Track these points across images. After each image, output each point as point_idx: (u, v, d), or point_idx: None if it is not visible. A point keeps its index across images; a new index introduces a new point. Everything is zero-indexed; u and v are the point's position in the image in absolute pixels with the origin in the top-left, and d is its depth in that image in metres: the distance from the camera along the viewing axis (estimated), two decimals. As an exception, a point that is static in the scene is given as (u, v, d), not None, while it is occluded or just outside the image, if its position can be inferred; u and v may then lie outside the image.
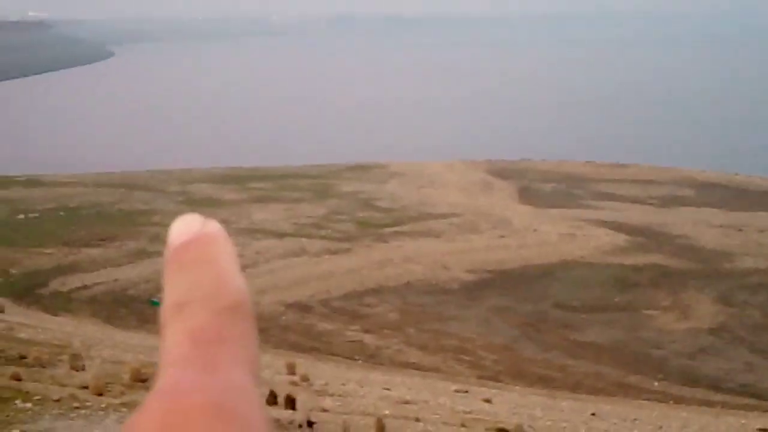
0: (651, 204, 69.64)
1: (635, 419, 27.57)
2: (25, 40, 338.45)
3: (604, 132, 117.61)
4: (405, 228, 60.63)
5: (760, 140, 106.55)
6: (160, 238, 55.56)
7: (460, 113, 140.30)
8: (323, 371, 30.35)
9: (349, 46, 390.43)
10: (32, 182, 74.41)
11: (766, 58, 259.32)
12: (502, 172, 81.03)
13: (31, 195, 68.63)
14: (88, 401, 17.10)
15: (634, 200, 70.87)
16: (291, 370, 27.47)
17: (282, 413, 17.44)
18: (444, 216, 63.89)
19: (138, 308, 44.10)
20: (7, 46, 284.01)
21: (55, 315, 42.56)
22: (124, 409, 16.05)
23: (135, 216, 62.50)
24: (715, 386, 37.30)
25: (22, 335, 30.87)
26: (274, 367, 28.52)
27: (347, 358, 38.06)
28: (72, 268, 50.31)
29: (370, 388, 26.22)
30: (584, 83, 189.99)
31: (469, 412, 22.59)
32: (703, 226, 61.58)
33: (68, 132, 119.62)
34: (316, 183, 76.14)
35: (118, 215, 63.18)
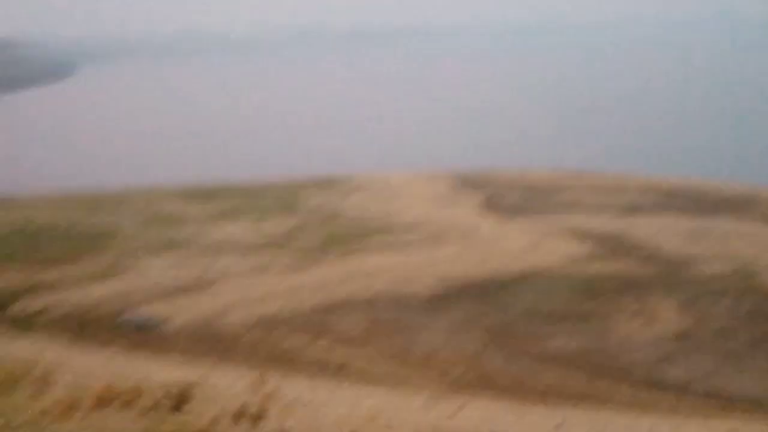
0: (615, 212, 69.97)
1: (606, 424, 27.70)
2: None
3: (566, 140, 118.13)
4: (370, 241, 60.60)
5: (718, 145, 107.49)
6: (124, 257, 55.23)
7: (424, 124, 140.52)
8: (292, 386, 30.22)
9: (314, 62, 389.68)
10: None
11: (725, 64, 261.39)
12: (466, 182, 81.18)
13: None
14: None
15: (598, 208, 71.18)
16: (259, 385, 27.37)
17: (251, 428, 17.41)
18: (409, 228, 63.91)
19: (105, 328, 43.76)
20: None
21: (19, 337, 42.11)
22: None
23: (97, 236, 62.00)
24: (682, 391, 37.47)
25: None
26: (241, 384, 28.34)
27: (316, 373, 37.91)
28: (35, 289, 49.86)
29: (338, 402, 26.22)
30: (547, 92, 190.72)
31: (439, 424, 22.65)
32: (667, 233, 61.93)
33: (29, 152, 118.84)
34: (281, 197, 75.96)
35: (80, 235, 62.68)
